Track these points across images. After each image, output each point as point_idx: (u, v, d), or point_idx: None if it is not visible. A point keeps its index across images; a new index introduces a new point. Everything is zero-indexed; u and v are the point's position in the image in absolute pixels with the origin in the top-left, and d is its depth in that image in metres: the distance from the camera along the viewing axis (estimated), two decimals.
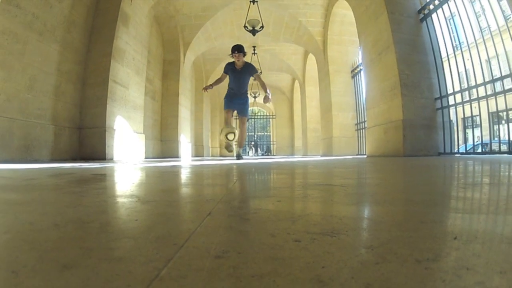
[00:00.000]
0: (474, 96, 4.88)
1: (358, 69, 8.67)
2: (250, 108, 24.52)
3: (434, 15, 5.42)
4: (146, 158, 7.57)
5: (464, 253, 0.45)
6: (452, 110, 5.32)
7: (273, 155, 18.84)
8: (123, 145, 6.36)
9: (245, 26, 8.45)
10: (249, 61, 6.38)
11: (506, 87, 4.39)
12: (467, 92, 5.04)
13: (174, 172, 2.50)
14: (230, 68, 6.34)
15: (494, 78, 4.56)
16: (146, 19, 7.69)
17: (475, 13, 5.00)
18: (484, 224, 0.64)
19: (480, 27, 5.17)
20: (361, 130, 8.54)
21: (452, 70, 5.35)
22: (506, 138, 4.82)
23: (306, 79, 13.34)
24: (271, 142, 24.59)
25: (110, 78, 6.01)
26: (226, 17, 9.68)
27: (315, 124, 12.63)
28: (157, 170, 2.73)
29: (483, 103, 4.73)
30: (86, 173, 2.31)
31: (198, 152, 13.67)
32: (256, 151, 27.39)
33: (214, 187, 1.47)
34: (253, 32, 8.54)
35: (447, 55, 5.45)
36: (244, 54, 6.23)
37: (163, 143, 9.76)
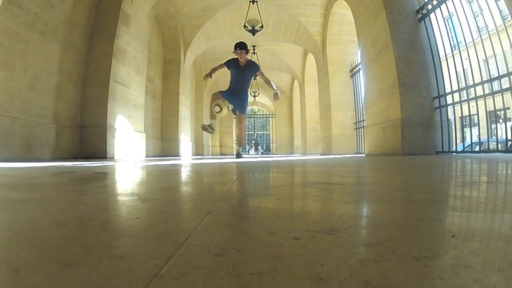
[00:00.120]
0: (472, 95, 4.91)
1: (357, 69, 8.69)
2: (249, 107, 24.56)
3: (432, 15, 5.45)
4: (146, 156, 7.60)
5: (462, 251, 0.45)
6: (450, 109, 5.36)
7: (273, 154, 18.86)
8: (124, 143, 6.40)
9: (245, 26, 8.48)
10: (248, 57, 6.36)
11: (504, 87, 4.40)
12: (465, 92, 5.07)
13: (174, 171, 2.50)
14: (233, 64, 6.28)
15: (492, 77, 4.59)
16: (147, 19, 7.72)
17: (473, 13, 5.04)
18: (481, 222, 0.65)
19: (477, 26, 5.21)
20: (360, 129, 8.56)
21: (450, 70, 5.39)
22: (504, 137, 4.85)
23: (305, 79, 13.38)
24: (271, 141, 24.61)
25: (111, 77, 6.04)
26: (226, 17, 9.71)
27: (314, 123, 12.67)
28: (157, 169, 2.73)
29: (480, 102, 4.76)
30: (87, 171, 2.32)
31: (198, 150, 13.70)
32: (257, 149, 27.45)
33: (214, 185, 1.48)
34: (253, 31, 8.57)
35: (445, 55, 5.47)
36: (247, 51, 6.23)
37: (163, 141, 9.80)
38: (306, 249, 0.46)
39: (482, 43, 4.73)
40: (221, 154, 17.40)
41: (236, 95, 6.34)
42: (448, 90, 5.36)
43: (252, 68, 6.32)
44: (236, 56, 6.23)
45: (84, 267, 0.39)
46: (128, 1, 6.50)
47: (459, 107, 5.18)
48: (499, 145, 5.69)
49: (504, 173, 1.92)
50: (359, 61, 8.02)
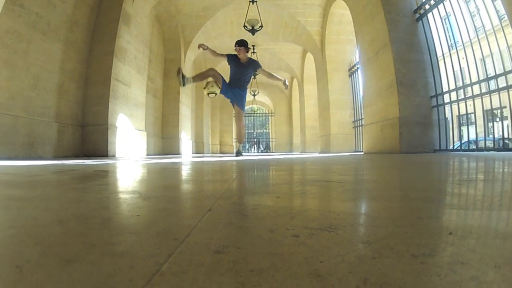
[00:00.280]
0: (469, 94, 4.94)
1: (356, 68, 8.75)
2: (249, 106, 24.46)
3: (429, 15, 5.49)
4: (147, 155, 7.64)
5: (459, 248, 0.45)
6: (447, 108, 5.41)
7: (272, 152, 18.89)
8: (125, 142, 6.45)
9: (244, 26, 8.51)
10: (249, 55, 6.35)
11: (500, 85, 4.45)
12: (462, 90, 5.12)
13: (175, 169, 2.51)
14: (233, 60, 6.22)
15: (489, 76, 4.62)
16: (148, 18, 7.76)
17: (470, 13, 5.08)
18: (478, 220, 0.66)
19: (475, 26, 5.26)
20: (358, 128, 8.61)
21: (447, 69, 5.43)
22: (500, 135, 4.89)
23: (304, 78, 13.42)
24: (270, 139, 24.65)
25: (112, 76, 6.09)
26: (226, 16, 9.75)
27: (313, 121, 12.71)
28: (158, 167, 2.74)
29: (477, 101, 4.79)
30: (88, 169, 2.33)
31: (198, 149, 13.75)
32: (258, 148, 27.53)
33: (214, 183, 1.47)
34: (253, 31, 8.60)
35: (443, 54, 5.53)
36: (247, 49, 6.22)
37: (164, 140, 9.86)
38: (305, 246, 0.47)
39: (479, 43, 4.77)
40: (221, 152, 17.44)
41: (235, 89, 6.32)
42: (445, 89, 5.40)
43: (252, 66, 6.31)
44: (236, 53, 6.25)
45: (86, 264, 0.39)
46: (129, 1, 6.54)
47: (457, 105, 5.22)
48: (495, 144, 5.74)
49: (500, 171, 1.94)
50: (357, 60, 8.07)
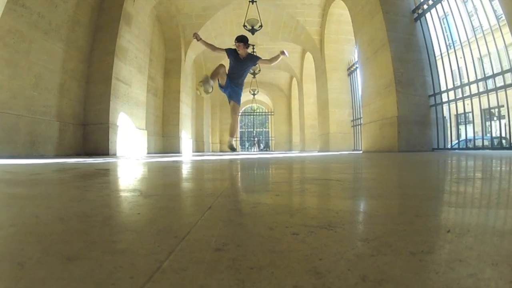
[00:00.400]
0: (467, 93, 4.97)
1: (354, 67, 8.78)
2: (249, 105, 24.37)
3: (427, 15, 5.53)
4: (148, 153, 7.67)
5: (457, 246, 0.46)
6: (445, 107, 5.44)
7: (272, 151, 18.90)
8: (126, 140, 6.48)
9: (244, 25, 8.52)
10: (249, 51, 6.33)
11: (498, 85, 4.48)
12: (460, 90, 5.14)
13: (175, 167, 2.52)
14: (233, 54, 6.14)
15: (486, 75, 4.65)
16: (149, 18, 7.79)
17: (468, 13, 5.12)
18: (476, 218, 0.65)
19: (472, 26, 5.30)
20: (357, 127, 8.63)
21: (445, 68, 5.45)
22: (498, 134, 4.91)
23: (303, 77, 13.45)
24: (270, 138, 24.67)
25: (113, 76, 6.12)
26: (226, 16, 9.78)
27: (312, 120, 12.74)
28: (159, 165, 2.74)
29: (475, 100, 4.82)
30: (90, 168, 2.33)
31: (198, 147, 13.78)
32: (259, 147, 27.57)
33: (214, 181, 1.47)
34: (252, 31, 8.61)
35: (441, 54, 5.54)
36: (246, 45, 6.20)
37: (164, 139, 9.90)
38: (305, 244, 0.47)
39: (477, 42, 4.80)
40: (221, 151, 17.46)
41: (233, 84, 6.33)
42: (443, 88, 5.43)
43: (252, 61, 6.31)
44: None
45: (87, 261, 0.40)
46: (130, 1, 6.56)
47: (454, 104, 5.25)
48: (492, 142, 5.78)
49: (497, 169, 1.95)
50: (356, 59, 8.10)
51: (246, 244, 0.48)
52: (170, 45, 10.05)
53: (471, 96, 4.87)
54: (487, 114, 5.12)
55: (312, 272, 0.36)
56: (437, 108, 5.42)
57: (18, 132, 4.58)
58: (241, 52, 6.15)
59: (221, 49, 6.24)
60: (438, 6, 5.25)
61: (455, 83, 5.26)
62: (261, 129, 34.27)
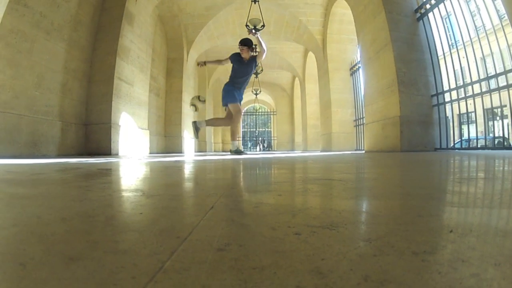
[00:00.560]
0: (470, 93, 4.96)
1: (357, 67, 8.77)
2: (251, 105, 24.45)
3: (430, 14, 5.50)
4: (150, 153, 7.69)
5: (460, 246, 0.46)
6: (448, 106, 5.43)
7: (274, 151, 18.89)
8: (128, 140, 6.49)
9: (246, 25, 8.52)
10: (252, 54, 6.38)
11: (501, 84, 4.46)
12: (462, 89, 5.14)
13: (177, 167, 2.51)
14: (237, 59, 6.30)
15: (489, 75, 4.64)
16: (151, 18, 7.79)
17: (471, 12, 5.10)
18: (479, 218, 0.65)
19: (475, 25, 5.28)
20: (360, 126, 8.63)
21: (448, 68, 5.44)
22: (500, 133, 4.89)
23: (306, 77, 13.45)
24: (272, 138, 24.69)
25: (116, 75, 6.12)
26: (228, 16, 9.78)
27: (314, 120, 12.75)
28: (161, 165, 2.73)
29: (478, 99, 4.81)
30: (92, 168, 2.33)
31: (201, 147, 13.80)
32: (264, 147, 27.63)
33: (217, 181, 1.46)
34: (255, 30, 8.63)
35: (443, 53, 5.53)
36: (250, 49, 6.24)
37: (167, 138, 9.91)
38: (307, 244, 0.47)
39: (480, 42, 4.79)
40: (223, 151, 17.47)
41: (241, 89, 6.40)
42: (446, 88, 5.41)
43: (254, 61, 6.37)
44: (239, 51, 6.31)
45: (89, 261, 0.40)
46: (132, 1, 6.57)
47: (457, 104, 5.23)
48: (493, 142, 5.76)
49: (500, 169, 1.94)
50: (358, 59, 8.08)
51: (249, 244, 0.48)
52: (172, 44, 10.06)
53: (473, 95, 4.85)
54: (490, 114, 5.10)
55: (314, 272, 0.37)
56: (440, 108, 5.40)
57: (20, 132, 4.59)
58: (245, 55, 6.22)
59: (226, 59, 6.40)
60: (441, 6, 5.23)
61: (457, 82, 5.24)
62: (264, 129, 34.29)
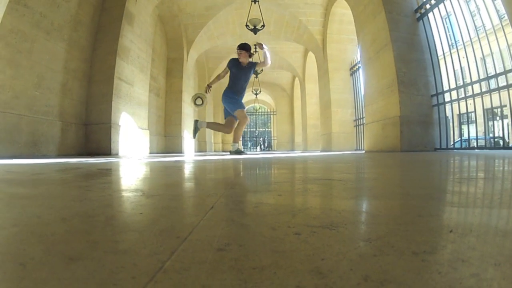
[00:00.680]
0: (469, 93, 4.96)
1: (357, 67, 8.77)
2: (251, 105, 24.49)
3: (430, 14, 5.50)
4: (150, 153, 7.69)
5: (460, 246, 0.46)
6: (448, 106, 5.43)
7: (274, 150, 18.89)
8: (128, 140, 6.49)
9: (246, 25, 8.54)
10: (250, 59, 6.37)
11: (500, 84, 4.46)
12: (462, 89, 5.14)
13: (177, 167, 2.51)
14: (235, 64, 6.28)
15: (489, 75, 4.64)
16: (151, 18, 7.80)
17: (470, 12, 5.10)
18: (479, 218, 0.65)
19: (475, 25, 5.28)
20: (360, 126, 8.64)
21: (448, 68, 5.44)
22: (500, 134, 4.89)
23: (306, 77, 13.46)
24: (272, 138, 24.71)
25: (116, 75, 6.12)
26: (228, 16, 9.79)
27: (314, 120, 12.76)
28: (161, 165, 2.72)
29: (478, 99, 4.81)
30: (92, 168, 2.33)
31: (201, 147, 13.80)
32: (265, 147, 27.66)
33: (216, 181, 1.46)
34: (255, 30, 8.63)
35: (443, 53, 5.54)
36: (248, 53, 6.23)
37: (167, 138, 9.92)
38: (307, 244, 0.47)
39: (479, 42, 4.79)
40: (223, 151, 17.46)
41: (242, 94, 6.40)
42: (446, 88, 5.42)
43: (252, 67, 6.37)
44: (237, 56, 6.29)
45: (89, 261, 0.40)
46: (132, 1, 6.57)
47: (457, 104, 5.23)
48: (494, 142, 5.76)
49: (500, 169, 1.94)
50: (358, 59, 8.09)
51: (249, 244, 0.48)
52: (172, 44, 10.06)
53: (473, 95, 4.85)
54: (490, 114, 5.10)
55: (314, 272, 0.36)
56: (440, 107, 5.40)
57: (20, 132, 4.59)
58: (243, 60, 6.20)
59: (224, 70, 6.43)
60: (441, 6, 5.23)
61: (457, 82, 5.24)
62: (264, 129, 34.31)
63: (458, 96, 5.12)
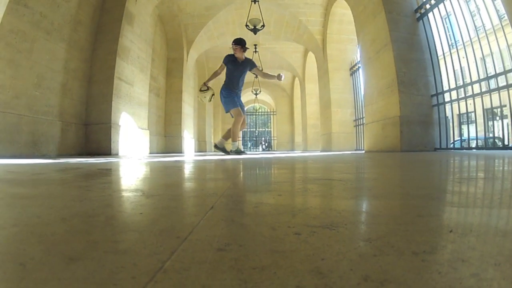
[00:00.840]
0: (469, 93, 4.95)
1: (357, 67, 8.76)
2: (251, 105, 24.48)
3: (430, 14, 5.50)
4: (150, 153, 7.69)
5: (460, 246, 0.46)
6: (448, 106, 5.42)
7: (274, 151, 18.88)
8: (128, 140, 6.49)
9: (246, 25, 8.55)
10: (245, 54, 6.37)
11: (500, 84, 4.46)
12: (462, 89, 5.14)
13: (177, 167, 2.51)
14: (231, 60, 6.27)
15: (489, 75, 4.64)
16: (151, 18, 7.80)
17: (470, 12, 5.10)
18: (479, 218, 0.65)
19: (475, 25, 5.28)
20: (360, 126, 8.63)
21: (448, 68, 5.44)
22: (500, 134, 4.89)
23: (306, 77, 13.46)
24: (272, 138, 24.71)
25: (116, 75, 6.12)
26: (228, 16, 9.79)
27: (314, 120, 12.76)
28: (161, 165, 2.73)
29: (478, 99, 4.81)
30: (92, 168, 2.33)
31: (201, 147, 13.80)
32: (267, 147, 27.67)
33: (216, 181, 1.46)
34: (254, 30, 8.64)
35: (443, 53, 5.53)
36: (243, 48, 6.23)
37: (167, 138, 9.92)
38: (307, 244, 0.47)
39: (479, 42, 4.79)
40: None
41: (239, 91, 6.39)
42: (446, 88, 5.41)
43: (249, 64, 6.36)
44: (233, 52, 6.28)
45: (89, 261, 0.40)
46: (132, 1, 6.57)
47: (457, 104, 5.23)
48: (494, 142, 5.76)
49: (500, 169, 1.94)
50: (358, 59, 8.08)
51: (249, 244, 0.48)
52: (172, 44, 10.07)
53: (473, 95, 4.85)
54: (490, 114, 5.11)
55: (314, 272, 0.36)
56: (440, 107, 5.40)
57: (20, 132, 4.59)
58: (239, 55, 6.19)
59: (220, 67, 6.37)
60: (441, 6, 5.23)
61: (457, 82, 5.24)
62: (263, 129, 34.31)
63: (458, 96, 5.12)
